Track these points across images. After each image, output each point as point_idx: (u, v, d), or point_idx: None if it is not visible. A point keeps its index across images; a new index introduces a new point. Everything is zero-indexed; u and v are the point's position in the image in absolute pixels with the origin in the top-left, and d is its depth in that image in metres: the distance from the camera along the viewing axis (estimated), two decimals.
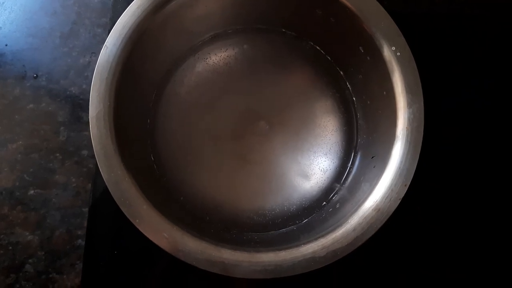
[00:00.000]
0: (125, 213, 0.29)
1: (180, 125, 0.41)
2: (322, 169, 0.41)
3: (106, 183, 0.29)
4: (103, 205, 0.42)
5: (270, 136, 0.41)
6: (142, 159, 0.37)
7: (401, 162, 0.31)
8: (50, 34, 0.47)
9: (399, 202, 0.30)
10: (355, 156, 0.41)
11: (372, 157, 0.35)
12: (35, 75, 0.47)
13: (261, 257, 0.29)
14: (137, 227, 0.29)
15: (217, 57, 0.43)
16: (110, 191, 0.29)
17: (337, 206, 0.37)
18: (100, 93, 0.30)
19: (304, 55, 0.43)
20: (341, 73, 0.42)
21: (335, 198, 0.39)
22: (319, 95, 0.42)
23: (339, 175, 0.41)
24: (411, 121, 0.31)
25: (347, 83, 0.42)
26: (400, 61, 0.32)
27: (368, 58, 0.35)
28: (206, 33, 0.41)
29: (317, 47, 0.42)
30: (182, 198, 0.39)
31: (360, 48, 0.35)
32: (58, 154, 0.45)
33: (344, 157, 0.41)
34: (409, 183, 0.31)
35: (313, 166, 0.41)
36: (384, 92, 0.34)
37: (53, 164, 0.45)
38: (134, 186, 0.30)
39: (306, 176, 0.41)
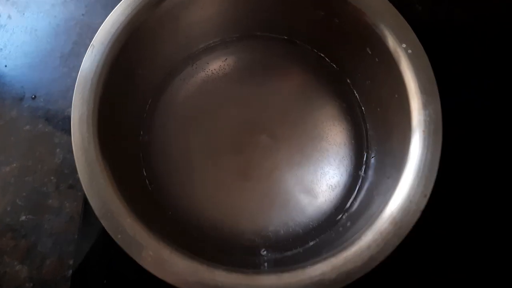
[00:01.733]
0: (106, 227, 0.25)
1: (176, 138, 0.38)
2: (330, 186, 0.38)
3: (86, 193, 0.26)
4: (93, 230, 0.39)
5: (273, 151, 0.38)
6: (132, 171, 0.34)
7: (419, 169, 0.27)
8: (50, 55, 0.46)
9: (419, 214, 0.26)
10: (366, 169, 0.37)
11: (388, 177, 0.31)
12: (33, 96, 0.47)
13: (261, 280, 0.25)
14: (118, 243, 0.25)
15: (216, 66, 0.40)
16: (90, 201, 0.25)
17: (348, 224, 0.33)
18: (84, 95, 0.27)
19: (308, 63, 0.40)
20: (348, 81, 0.39)
21: (346, 216, 0.36)
22: (325, 106, 0.39)
23: (349, 191, 0.37)
24: (427, 124, 0.28)
25: (355, 92, 0.39)
26: (412, 59, 0.29)
27: (377, 59, 0.32)
28: (204, 41, 0.39)
29: (321, 54, 0.40)
30: (175, 215, 0.36)
31: (367, 49, 0.33)
32: (52, 177, 0.43)
33: (354, 171, 0.38)
34: (429, 193, 0.27)
35: (320, 182, 0.38)
36: (396, 95, 0.31)
37: (47, 188, 0.43)
38: (118, 197, 0.26)
39: (313, 194, 0.38)
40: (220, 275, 0.25)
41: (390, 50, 0.30)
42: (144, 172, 0.36)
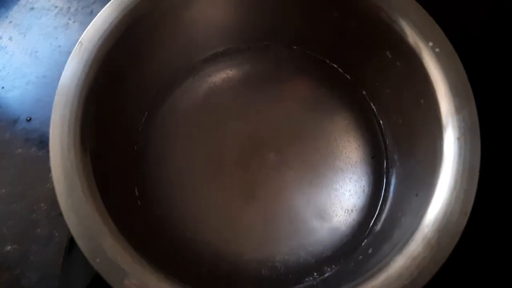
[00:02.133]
0: (82, 249, 0.21)
1: (174, 155, 0.34)
2: (346, 210, 0.33)
3: (61, 208, 0.22)
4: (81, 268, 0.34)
5: (281, 170, 0.34)
6: (122, 189, 0.30)
7: (456, 183, 0.23)
8: (49, 76, 0.45)
9: (459, 236, 0.22)
10: (387, 189, 0.33)
11: (416, 195, 0.27)
12: (28, 118, 0.45)
13: None
14: (96, 268, 0.21)
15: (219, 78, 0.37)
16: (65, 217, 0.21)
17: (370, 251, 0.28)
18: (69, 93, 0.24)
19: (319, 75, 0.37)
20: (364, 92, 0.35)
21: (366, 242, 0.31)
22: (338, 121, 0.36)
23: (368, 215, 0.33)
24: (462, 130, 0.24)
25: (371, 104, 0.35)
26: (440, 58, 0.25)
27: (398, 63, 0.29)
28: (207, 50, 0.36)
29: (334, 65, 0.36)
30: (170, 241, 0.32)
31: (387, 53, 0.29)
32: (43, 204, 0.40)
33: (373, 192, 0.34)
34: (469, 211, 0.22)
35: (335, 205, 0.34)
36: (422, 101, 0.27)
37: (36, 215, 0.40)
38: (99, 214, 0.22)
39: (327, 218, 0.33)
40: None
41: (414, 50, 0.26)
42: (136, 192, 0.32)
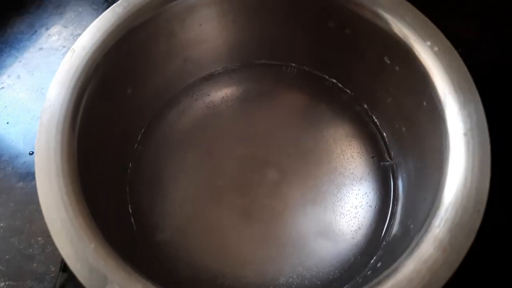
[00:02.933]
0: (62, 254, 0.19)
1: (171, 174, 0.33)
2: (353, 227, 0.32)
3: (43, 210, 0.21)
4: None
5: (283, 188, 0.33)
6: (114, 207, 0.29)
7: (466, 180, 0.21)
8: None
9: (473, 236, 0.20)
10: (395, 202, 0.31)
11: (425, 199, 0.25)
12: (31, 152, 0.45)
13: None
14: (76, 274, 0.19)
15: (218, 97, 0.37)
16: (45, 216, 0.20)
17: (379, 265, 0.26)
18: (60, 95, 0.23)
19: (318, 91, 0.36)
20: (365, 106, 0.35)
21: (374, 259, 0.28)
22: (340, 137, 0.35)
23: (376, 231, 0.31)
24: (469, 126, 0.23)
25: (374, 117, 0.34)
26: (440, 56, 0.25)
27: (397, 68, 0.28)
28: (205, 69, 0.36)
29: (333, 80, 0.36)
30: (165, 264, 0.30)
31: (385, 58, 0.29)
32: (40, 238, 0.40)
33: (380, 208, 0.32)
34: (483, 208, 0.20)
35: (340, 223, 0.32)
36: (424, 103, 0.26)
37: (32, 250, 0.39)
38: (82, 216, 0.21)
39: (332, 237, 0.31)
40: None
41: (412, 52, 0.26)
42: (130, 209, 0.31)
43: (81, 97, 0.24)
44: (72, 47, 0.25)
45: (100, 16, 0.26)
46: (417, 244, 0.20)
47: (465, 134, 0.22)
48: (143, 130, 0.34)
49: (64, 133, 0.22)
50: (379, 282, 0.19)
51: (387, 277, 0.20)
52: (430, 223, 0.21)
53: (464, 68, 0.24)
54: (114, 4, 0.26)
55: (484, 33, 0.42)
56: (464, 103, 0.23)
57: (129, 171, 0.32)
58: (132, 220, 0.30)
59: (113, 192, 0.29)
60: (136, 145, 0.34)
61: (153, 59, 0.31)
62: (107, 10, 0.26)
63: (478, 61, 0.37)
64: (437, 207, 0.21)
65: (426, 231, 0.21)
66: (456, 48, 0.24)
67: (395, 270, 0.20)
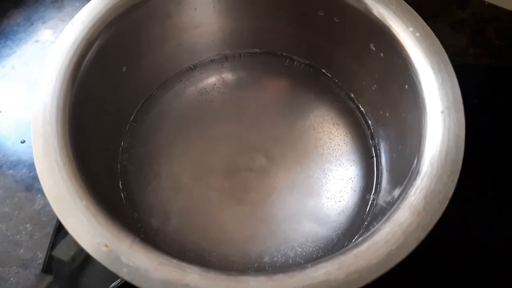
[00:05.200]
0: (55, 210, 0.20)
1: (163, 155, 0.34)
2: (337, 211, 0.33)
3: (37, 171, 0.21)
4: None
5: (271, 173, 0.34)
6: (106, 182, 0.30)
7: (441, 153, 0.23)
8: None
9: (447, 202, 0.21)
10: (377, 187, 0.32)
11: (408, 178, 0.27)
12: (22, 141, 0.45)
13: (246, 281, 0.19)
14: (66, 228, 0.20)
15: (210, 84, 0.38)
16: (40, 178, 0.21)
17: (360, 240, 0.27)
18: (58, 63, 0.24)
19: (308, 80, 0.38)
20: (352, 95, 0.36)
21: (356, 238, 0.30)
22: (328, 125, 0.36)
23: (359, 213, 0.32)
24: (446, 104, 0.24)
25: (360, 106, 0.36)
26: (421, 41, 0.26)
27: (382, 54, 0.30)
28: (198, 55, 0.37)
29: (322, 70, 0.37)
30: (155, 239, 0.30)
31: (371, 45, 0.30)
32: (28, 225, 0.40)
33: (364, 192, 0.33)
34: (457, 178, 0.22)
35: (325, 207, 0.33)
36: (406, 86, 0.27)
37: (20, 236, 0.39)
38: (75, 177, 0.21)
39: (317, 220, 0.33)
40: (193, 273, 0.19)
41: (396, 38, 0.27)
42: (120, 185, 0.32)
43: (79, 67, 0.25)
44: (71, 21, 0.26)
45: None
46: (394, 211, 0.21)
47: (442, 112, 0.24)
48: (136, 111, 0.35)
49: (60, 99, 0.23)
50: (357, 244, 0.20)
51: (365, 239, 0.21)
52: (407, 193, 0.22)
53: (443, 51, 0.26)
54: None
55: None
56: (442, 84, 0.25)
57: (120, 149, 0.33)
58: (124, 201, 0.31)
59: (105, 164, 0.30)
60: (128, 125, 0.34)
61: (148, 40, 0.32)
62: None
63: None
64: (414, 178, 0.22)
65: (402, 199, 0.22)
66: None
67: (373, 233, 0.21)
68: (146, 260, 0.19)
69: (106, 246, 0.19)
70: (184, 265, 0.19)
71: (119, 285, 0.29)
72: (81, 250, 0.37)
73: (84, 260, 0.37)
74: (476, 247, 0.34)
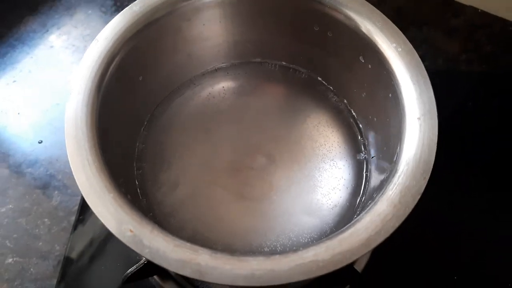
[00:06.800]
0: (86, 199, 0.24)
1: (173, 155, 0.38)
2: (330, 206, 0.36)
3: (72, 168, 0.25)
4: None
5: (270, 171, 0.38)
6: (126, 175, 0.33)
7: (416, 154, 0.26)
8: (62, 105, 0.48)
9: (419, 197, 0.25)
10: (366, 184, 0.36)
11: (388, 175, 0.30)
12: (40, 141, 0.48)
13: (247, 260, 0.23)
14: (97, 214, 0.23)
15: (217, 90, 0.42)
16: (74, 174, 0.25)
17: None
18: (86, 75, 0.28)
19: (306, 87, 0.41)
20: (345, 101, 0.40)
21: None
22: (322, 128, 0.40)
23: (350, 207, 0.36)
24: (422, 111, 0.28)
25: (352, 111, 0.39)
26: (403, 56, 0.30)
27: (370, 66, 0.33)
28: (205, 64, 0.41)
29: (319, 78, 0.41)
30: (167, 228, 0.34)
31: (360, 57, 0.34)
32: (46, 219, 0.44)
33: (355, 189, 0.37)
34: (428, 176, 0.25)
35: (320, 203, 0.36)
36: (390, 95, 0.31)
37: (39, 230, 0.43)
38: (103, 173, 0.25)
39: (313, 213, 0.36)
40: (204, 254, 0.23)
41: (381, 52, 0.31)
42: (136, 181, 0.36)
43: (103, 78, 0.29)
44: (96, 37, 0.30)
45: (120, 13, 0.31)
46: (374, 203, 0.25)
47: (418, 118, 0.27)
48: (150, 115, 0.39)
49: (88, 106, 0.27)
50: (342, 231, 0.24)
51: (348, 227, 0.24)
52: (386, 188, 0.26)
53: (421, 65, 0.29)
54: (132, 3, 0.32)
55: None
56: (420, 94, 0.28)
57: (136, 149, 0.37)
58: (139, 191, 0.35)
59: (125, 163, 0.34)
60: (143, 127, 0.38)
61: (162, 52, 0.36)
62: (126, 8, 0.31)
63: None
64: (392, 175, 0.26)
65: (382, 194, 0.26)
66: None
67: (355, 222, 0.24)
68: (164, 243, 0.23)
69: (131, 231, 0.23)
70: (196, 247, 0.23)
71: (133, 271, 0.33)
72: (97, 241, 0.41)
73: (101, 249, 0.41)
74: (475, 248, 0.37)
